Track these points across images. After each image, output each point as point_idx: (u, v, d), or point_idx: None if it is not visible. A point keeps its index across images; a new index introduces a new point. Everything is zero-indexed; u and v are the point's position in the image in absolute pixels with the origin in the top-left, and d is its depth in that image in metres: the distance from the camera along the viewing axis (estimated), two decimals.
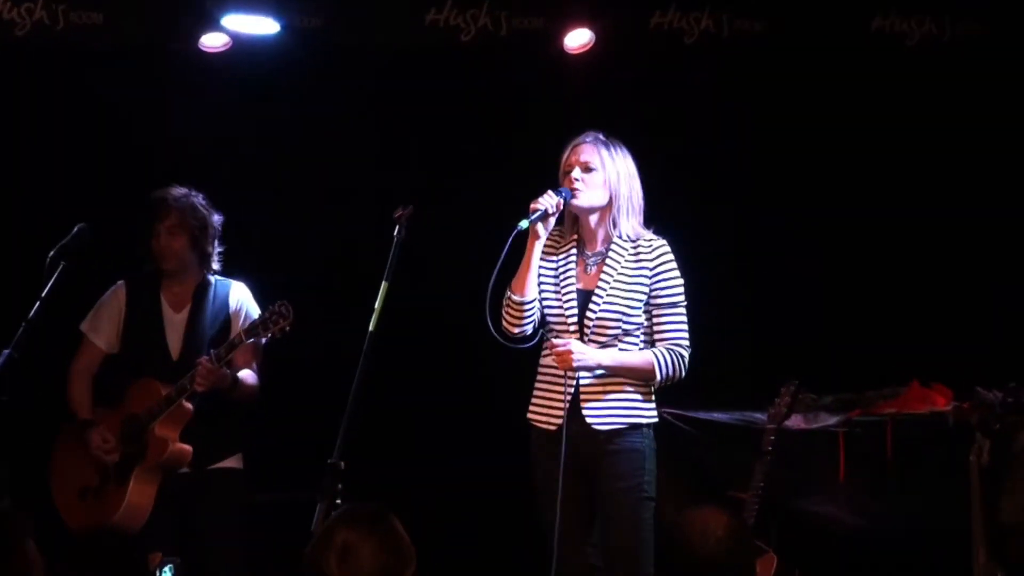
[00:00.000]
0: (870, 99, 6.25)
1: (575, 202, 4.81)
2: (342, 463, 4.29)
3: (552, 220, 4.80)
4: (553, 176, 4.95)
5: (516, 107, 6.37)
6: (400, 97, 6.43)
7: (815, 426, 5.72)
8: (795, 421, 5.58)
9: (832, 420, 5.72)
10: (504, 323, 4.81)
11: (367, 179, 6.38)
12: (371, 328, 4.48)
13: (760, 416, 5.53)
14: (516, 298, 4.79)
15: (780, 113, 6.29)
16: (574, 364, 4.72)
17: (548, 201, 4.75)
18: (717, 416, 5.81)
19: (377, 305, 4.49)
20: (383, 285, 4.51)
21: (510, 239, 4.68)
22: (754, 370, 6.04)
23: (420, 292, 6.01)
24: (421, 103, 6.42)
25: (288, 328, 5.20)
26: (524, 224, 4.71)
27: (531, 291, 4.81)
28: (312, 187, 6.46)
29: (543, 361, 4.89)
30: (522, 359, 4.91)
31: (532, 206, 4.74)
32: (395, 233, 4.59)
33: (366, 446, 4.48)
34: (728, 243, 6.28)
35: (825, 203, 6.28)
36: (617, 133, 5.00)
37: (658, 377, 4.78)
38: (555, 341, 4.77)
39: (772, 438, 5.33)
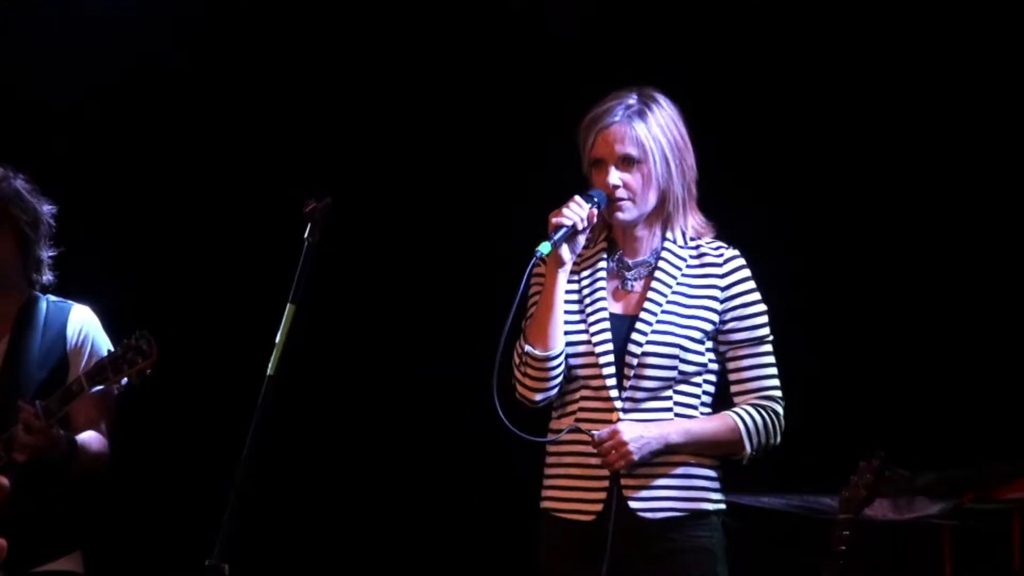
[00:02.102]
0: (1005, 66, 6.22)
1: (620, 216, 4.70)
2: (225, 566, 4.27)
3: (582, 238, 4.68)
4: (551, 157, 4.89)
5: (492, 59, 6.38)
6: (322, 41, 6.45)
7: (908, 516, 5.75)
8: (880, 509, 5.63)
9: (934, 508, 5.75)
10: (520, 389, 4.69)
11: (266, 158, 6.38)
12: (270, 371, 4.42)
13: (830, 502, 5.49)
14: (538, 352, 4.66)
15: (878, 82, 6.24)
16: (635, 458, 4.60)
17: (577, 212, 4.60)
18: (769, 501, 5.85)
19: (279, 339, 4.43)
20: (288, 309, 4.44)
21: (528, 272, 4.57)
22: (822, 438, 6.00)
23: (341, 320, 5.99)
24: (350, 50, 6.44)
25: (150, 371, 5.13)
26: (546, 248, 4.57)
27: (557, 341, 4.67)
28: (187, 168, 6.46)
29: (556, 424, 4.75)
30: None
31: (554, 220, 4.59)
32: (305, 236, 4.53)
33: (259, 542, 4.46)
34: (788, 259, 6.12)
35: (925, 208, 6.26)
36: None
37: (747, 449, 4.67)
38: (595, 434, 4.61)
39: (846, 533, 5.25)
